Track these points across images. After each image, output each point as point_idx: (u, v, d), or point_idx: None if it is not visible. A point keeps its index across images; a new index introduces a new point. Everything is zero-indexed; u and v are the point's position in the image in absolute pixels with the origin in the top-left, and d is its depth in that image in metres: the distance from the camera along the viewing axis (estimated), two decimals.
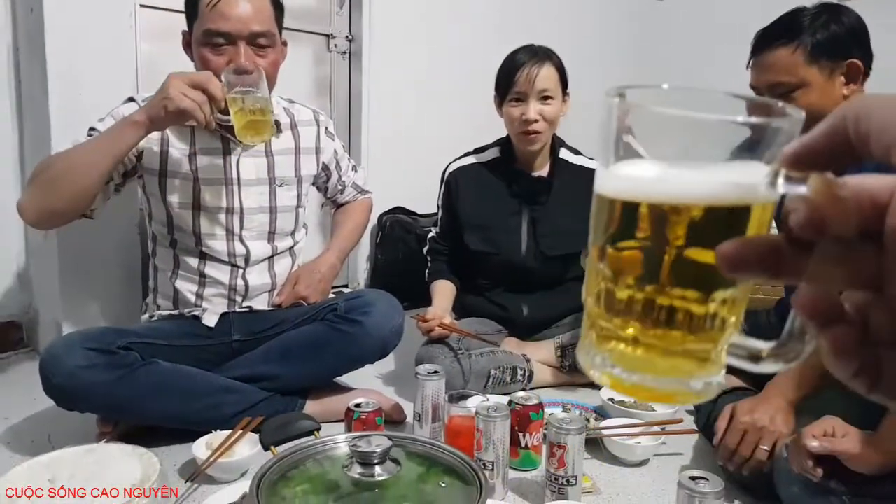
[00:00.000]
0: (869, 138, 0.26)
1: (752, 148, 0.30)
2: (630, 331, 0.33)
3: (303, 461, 1.01)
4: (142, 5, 2.07)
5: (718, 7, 3.39)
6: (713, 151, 0.32)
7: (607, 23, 3.52)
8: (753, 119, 0.31)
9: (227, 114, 1.40)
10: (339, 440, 1.04)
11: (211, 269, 1.57)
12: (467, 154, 1.94)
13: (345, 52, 2.74)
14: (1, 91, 1.93)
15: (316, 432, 1.27)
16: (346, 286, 2.83)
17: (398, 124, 2.77)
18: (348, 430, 1.32)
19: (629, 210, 0.32)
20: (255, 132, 1.38)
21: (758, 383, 1.39)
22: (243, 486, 1.18)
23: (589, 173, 1.84)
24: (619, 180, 0.33)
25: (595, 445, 1.41)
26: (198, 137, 1.53)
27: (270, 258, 1.63)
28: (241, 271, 1.59)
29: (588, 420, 1.50)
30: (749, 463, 1.16)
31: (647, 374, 0.33)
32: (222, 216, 1.56)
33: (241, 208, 1.57)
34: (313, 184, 1.76)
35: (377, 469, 0.95)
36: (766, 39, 1.35)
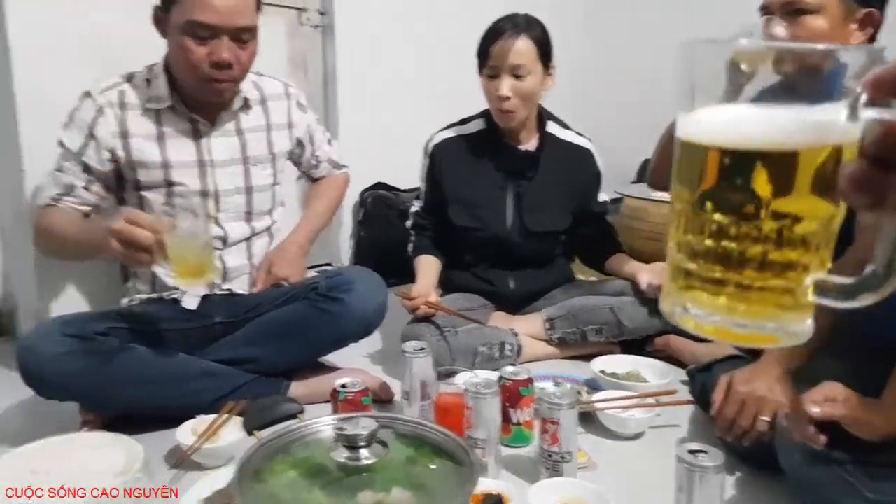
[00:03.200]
0: None
1: (825, 92, 0.31)
2: (715, 274, 0.34)
3: (287, 446, 0.98)
4: None
5: None
6: (788, 97, 0.32)
7: None
8: (849, 52, 0.31)
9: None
10: (323, 423, 1.00)
11: None
12: (450, 126, 1.88)
13: (317, 26, 2.66)
14: None
15: (299, 415, 1.24)
16: (329, 265, 2.78)
17: (376, 97, 2.70)
18: (335, 411, 1.29)
19: (710, 151, 0.33)
20: (195, 278, 1.28)
21: (752, 350, 1.37)
22: (230, 471, 1.15)
23: (577, 150, 1.79)
24: (701, 123, 0.34)
25: (588, 419, 1.38)
26: (165, 120, 1.48)
27: (248, 239, 1.59)
28: (218, 253, 1.54)
29: (580, 393, 1.47)
30: (749, 434, 1.13)
31: (731, 316, 0.34)
32: (197, 199, 1.51)
33: (217, 190, 1.52)
34: (288, 158, 1.71)
35: (364, 452, 0.91)
36: None
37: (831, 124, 0.31)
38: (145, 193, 1.49)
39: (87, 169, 1.45)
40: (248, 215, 1.58)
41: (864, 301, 0.33)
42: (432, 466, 0.93)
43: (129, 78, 1.49)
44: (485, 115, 1.84)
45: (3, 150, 1.88)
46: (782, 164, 0.32)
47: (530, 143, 1.82)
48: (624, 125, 3.29)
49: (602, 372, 1.56)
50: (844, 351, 1.31)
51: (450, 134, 1.85)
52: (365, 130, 2.68)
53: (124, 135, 1.45)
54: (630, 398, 1.40)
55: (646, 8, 3.40)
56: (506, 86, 1.67)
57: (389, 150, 2.65)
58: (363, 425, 0.93)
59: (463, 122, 1.87)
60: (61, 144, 1.46)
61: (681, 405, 1.42)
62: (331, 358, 1.64)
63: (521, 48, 1.66)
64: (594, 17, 3.42)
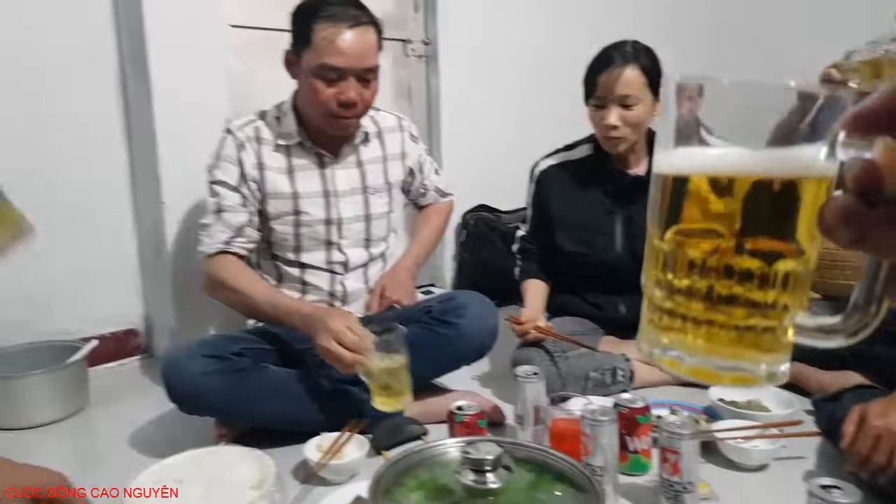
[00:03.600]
0: None
1: (809, 133, 0.31)
2: (693, 313, 0.33)
3: (415, 466, 1.02)
4: (231, 25, 2.16)
5: None
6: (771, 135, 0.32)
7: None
8: (807, 87, 0.31)
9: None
10: (448, 445, 1.04)
11: (311, 277, 1.62)
12: (557, 152, 1.90)
13: (422, 56, 2.76)
14: (111, 115, 2.05)
15: (423, 436, 1.29)
16: (432, 285, 2.85)
17: (477, 123, 2.77)
18: (451, 433, 1.33)
19: (689, 188, 0.33)
20: (390, 402, 1.36)
21: (887, 381, 1.30)
22: (354, 488, 1.21)
23: None
24: (679, 159, 0.34)
25: (707, 448, 1.35)
26: (294, 154, 1.59)
27: (366, 264, 1.68)
28: (339, 277, 1.64)
29: (697, 422, 1.44)
30: (885, 471, 1.08)
31: (710, 357, 0.34)
32: (321, 227, 1.60)
33: (340, 218, 1.61)
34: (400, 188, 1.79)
35: (490, 476, 0.94)
36: None
37: (810, 160, 0.31)
38: (274, 224, 1.60)
39: (245, 201, 1.55)
40: (367, 242, 1.67)
41: (846, 341, 0.32)
42: (557, 493, 0.95)
43: (262, 115, 1.60)
44: (591, 140, 1.84)
45: (144, 182, 2.07)
46: (759, 199, 0.32)
47: (639, 168, 1.80)
48: None
49: (721, 400, 1.52)
50: None
51: (556, 160, 1.87)
52: (467, 154, 2.74)
53: (261, 167, 1.56)
54: (752, 428, 1.35)
55: (752, 29, 3.30)
56: (613, 116, 1.65)
57: (491, 172, 2.71)
58: (487, 450, 0.96)
59: (569, 147, 1.88)
60: (217, 183, 1.55)
61: (806, 436, 1.36)
62: (441, 379, 1.69)
63: (630, 78, 1.64)
64: (700, 39, 3.35)
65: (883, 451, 1.07)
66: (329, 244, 1.62)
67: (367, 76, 1.48)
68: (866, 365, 1.55)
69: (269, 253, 1.64)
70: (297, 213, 1.58)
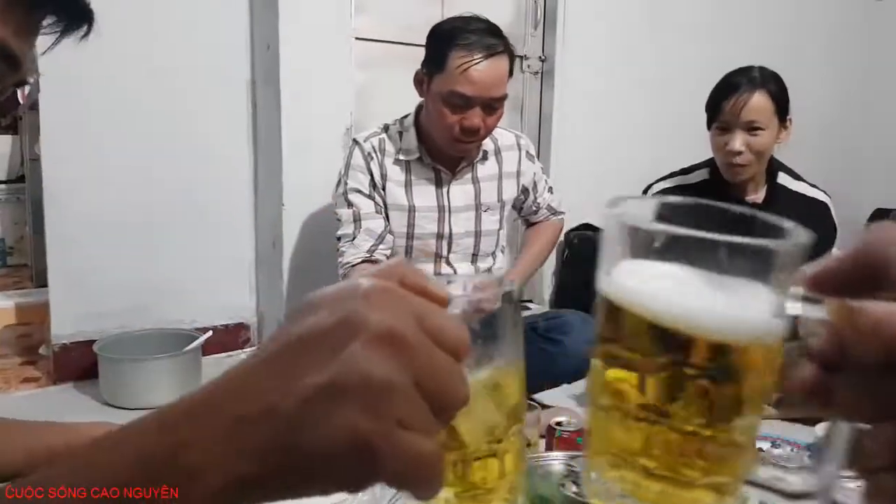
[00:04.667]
0: (891, 268, 0.25)
1: (758, 269, 0.29)
2: (643, 459, 0.31)
3: None
4: (356, 38, 2.28)
5: None
6: (717, 266, 0.29)
7: (825, 28, 3.24)
8: (752, 242, 0.29)
9: None
10: (551, 458, 1.06)
11: None
12: (671, 175, 1.86)
13: (537, 72, 2.79)
14: (240, 121, 2.21)
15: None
16: (530, 301, 2.86)
17: (588, 141, 2.77)
18: (549, 447, 1.34)
19: (638, 324, 0.30)
20: None
21: None
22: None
23: (810, 203, 1.66)
24: (626, 290, 0.31)
25: None
26: (413, 169, 1.65)
27: None
28: None
29: (802, 458, 1.38)
30: None
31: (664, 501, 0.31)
32: (432, 241, 1.66)
33: (450, 233, 1.66)
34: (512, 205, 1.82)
35: None
36: None
37: (762, 322, 0.29)
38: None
39: (378, 207, 1.61)
40: (474, 257, 1.71)
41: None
42: None
43: (385, 129, 1.67)
44: (709, 164, 1.80)
45: (266, 185, 2.21)
46: (708, 349, 0.29)
47: (757, 195, 1.73)
48: (851, 170, 3.03)
49: None
50: None
51: (671, 183, 1.83)
52: (576, 171, 2.74)
53: (384, 177, 1.63)
54: None
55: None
56: (738, 141, 1.59)
57: (599, 192, 2.66)
58: None
59: (685, 171, 1.84)
60: (351, 192, 1.60)
61: None
62: (537, 396, 1.70)
63: (757, 104, 1.57)
64: (825, 67, 3.20)
65: None
66: (438, 257, 1.67)
67: (493, 105, 1.52)
68: None
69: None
70: (410, 225, 1.64)
